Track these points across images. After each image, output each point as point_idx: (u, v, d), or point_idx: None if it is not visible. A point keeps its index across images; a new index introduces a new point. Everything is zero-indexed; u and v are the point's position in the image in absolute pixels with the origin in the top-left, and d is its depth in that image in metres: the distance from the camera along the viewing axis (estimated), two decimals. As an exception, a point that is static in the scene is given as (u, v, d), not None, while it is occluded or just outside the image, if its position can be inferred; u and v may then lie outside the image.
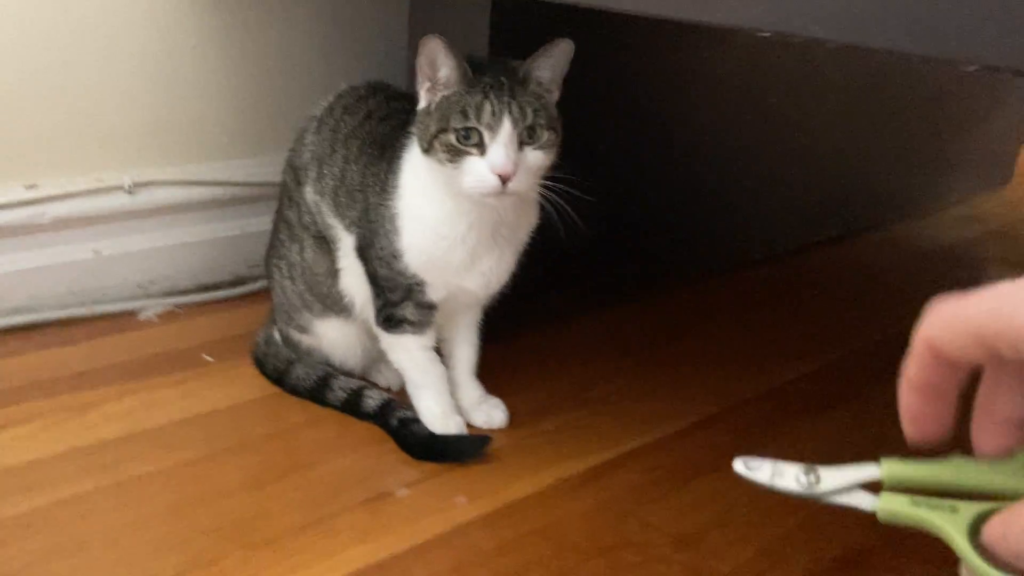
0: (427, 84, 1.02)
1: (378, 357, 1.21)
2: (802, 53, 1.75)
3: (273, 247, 1.25)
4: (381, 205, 1.08)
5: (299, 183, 1.18)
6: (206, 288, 1.50)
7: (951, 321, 0.38)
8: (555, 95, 1.05)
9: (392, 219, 1.07)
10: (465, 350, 1.19)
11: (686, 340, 1.51)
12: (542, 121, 0.99)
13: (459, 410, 1.14)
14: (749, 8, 0.68)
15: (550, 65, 1.02)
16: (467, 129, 0.97)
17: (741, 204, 1.77)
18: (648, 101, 1.48)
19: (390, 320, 1.12)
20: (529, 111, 0.98)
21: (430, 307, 1.12)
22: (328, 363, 1.22)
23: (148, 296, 1.44)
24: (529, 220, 1.11)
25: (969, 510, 0.38)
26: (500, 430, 1.15)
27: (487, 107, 0.97)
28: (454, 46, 1.00)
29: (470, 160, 0.98)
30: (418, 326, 1.12)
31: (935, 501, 0.39)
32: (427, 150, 1.01)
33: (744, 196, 1.76)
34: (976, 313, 0.37)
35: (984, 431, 0.41)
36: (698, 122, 1.61)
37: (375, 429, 1.12)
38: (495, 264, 1.09)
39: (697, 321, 1.59)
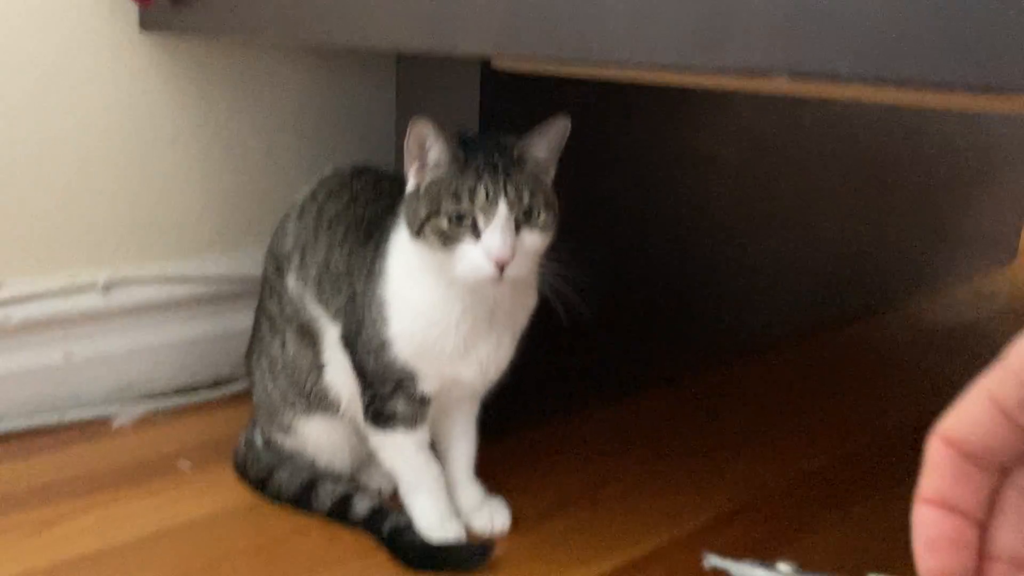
0: (416, 165, 0.96)
1: (368, 458, 1.12)
2: (810, 132, 1.71)
3: (254, 343, 1.17)
4: (368, 291, 1.01)
5: (281, 272, 1.11)
6: (185, 391, 1.41)
7: (975, 399, 0.32)
8: (551, 173, 0.99)
9: (380, 306, 1.00)
10: (463, 447, 1.10)
11: (700, 430, 1.42)
12: (539, 202, 0.93)
13: (458, 514, 1.06)
14: (755, 49, 0.62)
15: (546, 143, 0.96)
16: (460, 213, 0.91)
17: (750, 287, 1.70)
18: (651, 176, 1.42)
19: (379, 416, 1.03)
20: (525, 192, 0.92)
21: (423, 400, 1.03)
22: (314, 466, 1.13)
23: (123, 401, 1.36)
24: (527, 303, 1.03)
25: None
26: (503, 535, 1.07)
27: (481, 190, 0.91)
28: (443, 127, 0.94)
29: (464, 245, 0.91)
30: (410, 422, 1.04)
31: None
32: (417, 234, 0.95)
33: (753, 278, 1.70)
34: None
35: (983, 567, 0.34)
36: (705, 200, 1.55)
37: (366, 538, 1.04)
38: (492, 351, 1.01)
39: (710, 410, 1.50)
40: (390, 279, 1.00)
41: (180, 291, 1.40)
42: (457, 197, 0.92)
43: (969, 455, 0.33)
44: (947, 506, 0.34)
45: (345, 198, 1.09)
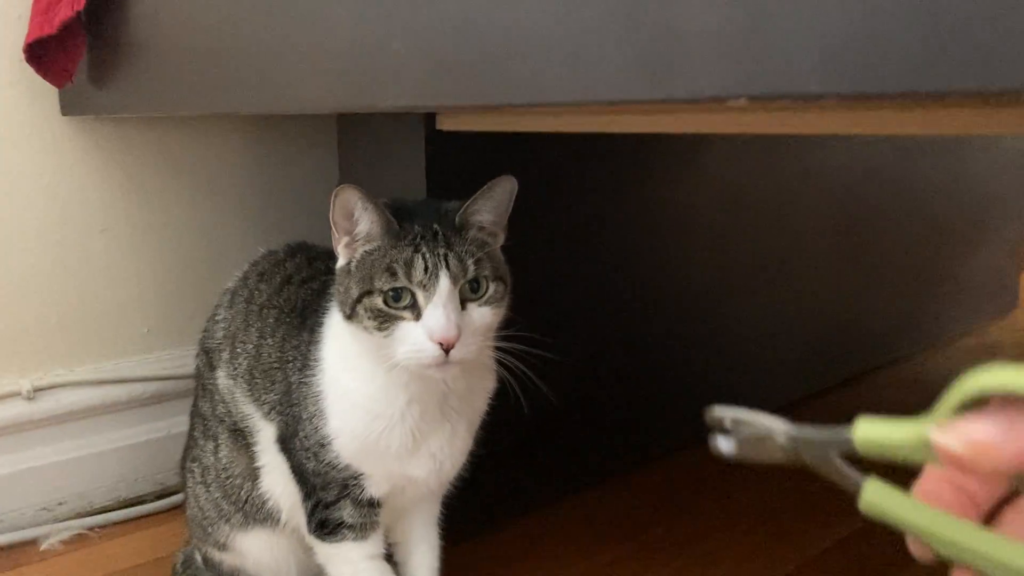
0: (345, 239, 0.86)
1: (318, 573, 0.98)
2: (792, 182, 1.62)
3: (187, 448, 1.05)
4: (303, 383, 0.90)
5: (212, 367, 0.99)
6: (127, 504, 1.28)
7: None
8: (500, 239, 0.88)
9: (316, 399, 0.88)
10: (423, 555, 0.98)
11: (694, 514, 1.29)
12: (486, 272, 0.83)
13: None
14: (706, 74, 0.52)
15: (491, 207, 0.86)
16: (396, 290, 0.81)
17: (735, 355, 1.58)
18: (616, 239, 1.32)
19: (325, 525, 0.91)
20: (470, 262, 0.82)
21: (372, 505, 0.92)
22: (257, 586, 0.99)
23: (54, 520, 1.22)
24: (484, 385, 0.92)
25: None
26: None
27: (418, 262, 0.81)
28: (372, 195, 0.84)
29: (403, 326, 0.81)
30: (360, 530, 0.92)
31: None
32: (349, 317, 0.84)
33: (737, 345, 1.58)
34: None
35: None
36: (678, 262, 1.44)
37: None
38: (445, 444, 0.89)
39: (703, 491, 1.37)
40: (326, 368, 0.89)
41: (116, 393, 1.28)
42: (392, 272, 0.81)
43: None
44: (955, 484, 0.35)
45: (277, 280, 0.98)
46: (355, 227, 0.84)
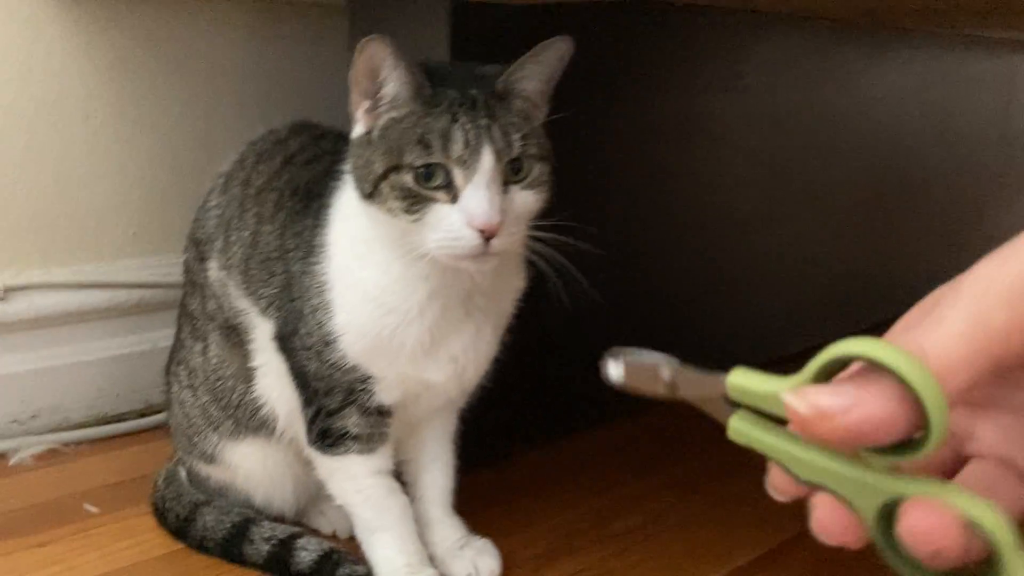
0: (366, 104, 0.74)
1: (318, 492, 0.89)
2: (836, 113, 1.51)
3: (173, 351, 0.94)
4: (305, 273, 0.79)
5: (202, 259, 0.88)
6: (107, 420, 1.17)
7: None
8: (542, 112, 0.76)
9: (320, 290, 0.78)
10: (436, 474, 0.88)
11: (731, 451, 1.17)
12: (532, 150, 0.72)
13: (431, 560, 0.84)
14: None
15: (540, 73, 0.74)
16: (429, 166, 0.69)
17: (765, 286, 1.47)
18: (650, 145, 1.21)
19: (327, 436, 0.81)
20: (516, 137, 0.71)
21: (382, 414, 0.81)
22: (248, 505, 0.90)
23: (26, 433, 1.11)
24: (513, 284, 0.81)
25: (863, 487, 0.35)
26: None
27: (457, 134, 0.69)
28: (404, 50, 0.71)
29: (436, 209, 0.70)
30: (367, 442, 0.82)
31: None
32: (370, 195, 0.73)
33: (769, 276, 1.47)
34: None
35: None
36: (714, 180, 1.34)
37: None
38: (469, 346, 0.79)
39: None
40: (333, 255, 0.78)
41: (97, 299, 1.17)
42: (425, 145, 0.70)
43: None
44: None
45: (278, 160, 0.87)
46: (380, 89, 0.73)
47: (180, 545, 0.90)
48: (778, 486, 0.39)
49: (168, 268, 1.21)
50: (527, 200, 0.72)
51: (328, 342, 0.78)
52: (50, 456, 1.10)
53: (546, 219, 0.75)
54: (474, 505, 0.91)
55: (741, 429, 0.39)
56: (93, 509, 0.97)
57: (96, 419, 1.17)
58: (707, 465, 1.11)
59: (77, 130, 1.14)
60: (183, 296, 0.94)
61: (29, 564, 0.87)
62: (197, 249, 0.90)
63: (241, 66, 1.24)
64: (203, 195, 0.93)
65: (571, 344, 1.01)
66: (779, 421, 0.37)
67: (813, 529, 0.37)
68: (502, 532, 0.89)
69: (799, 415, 0.33)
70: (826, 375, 0.35)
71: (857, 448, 0.34)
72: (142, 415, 1.20)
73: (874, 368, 0.33)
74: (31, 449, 1.08)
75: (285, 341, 0.81)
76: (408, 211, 0.70)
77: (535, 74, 0.74)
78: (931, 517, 0.33)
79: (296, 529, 0.86)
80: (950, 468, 0.39)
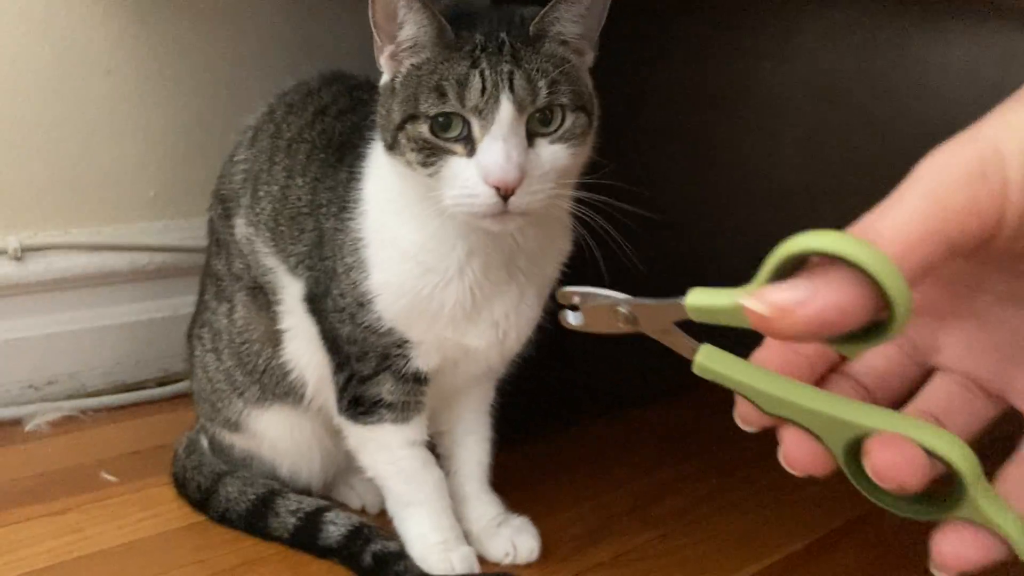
0: (388, 49, 0.69)
1: (347, 465, 0.85)
2: (888, 84, 1.44)
3: (197, 314, 0.90)
4: (339, 230, 0.74)
5: (228, 217, 0.84)
6: (125, 388, 1.13)
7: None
8: (588, 58, 0.71)
9: (355, 248, 0.73)
10: (472, 447, 0.84)
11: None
12: (563, 99, 0.66)
13: (467, 537, 0.80)
14: None
15: (578, 13, 0.67)
16: (446, 115, 0.64)
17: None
18: (698, 113, 1.15)
19: (359, 403, 0.77)
20: (541, 84, 0.65)
21: (418, 381, 0.77)
22: (273, 476, 0.86)
23: (42, 400, 1.07)
24: (559, 245, 0.76)
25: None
26: (529, 565, 0.80)
27: (474, 81, 0.64)
28: None
29: (453, 162, 0.65)
30: (401, 411, 0.77)
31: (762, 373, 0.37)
32: (391, 147, 0.68)
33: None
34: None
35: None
36: (763, 152, 1.28)
37: (341, 571, 0.78)
38: (511, 310, 0.74)
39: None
40: (368, 211, 0.73)
41: (116, 262, 1.13)
42: (440, 92, 0.64)
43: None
44: (789, 347, 0.38)
45: (310, 111, 0.82)
46: (398, 32, 0.67)
47: (201, 517, 0.86)
48: (745, 417, 0.39)
49: (190, 231, 1.16)
50: (557, 154, 0.66)
51: (363, 303, 0.73)
52: (67, 423, 1.06)
53: (589, 176, 0.70)
54: (511, 482, 0.87)
55: (706, 365, 0.38)
56: (111, 478, 0.93)
57: (114, 387, 1.14)
58: (752, 449, 1.04)
59: (98, 85, 1.09)
60: (207, 256, 0.90)
61: (45, 532, 0.84)
62: (223, 206, 0.85)
63: (268, 17, 1.19)
64: (228, 152, 0.89)
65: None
66: (744, 353, 0.38)
67: (780, 459, 0.37)
68: (539, 512, 0.85)
69: (758, 316, 0.33)
70: (782, 276, 0.34)
71: (823, 339, 0.33)
72: (161, 383, 1.16)
73: (829, 260, 0.32)
74: (47, 416, 1.05)
75: (316, 302, 0.76)
76: (424, 164, 0.66)
77: (571, 15, 0.67)
78: (894, 454, 0.33)
79: (324, 503, 0.82)
80: (917, 382, 0.40)
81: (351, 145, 0.77)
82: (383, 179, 0.73)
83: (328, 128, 0.79)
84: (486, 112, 0.63)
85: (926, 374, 0.40)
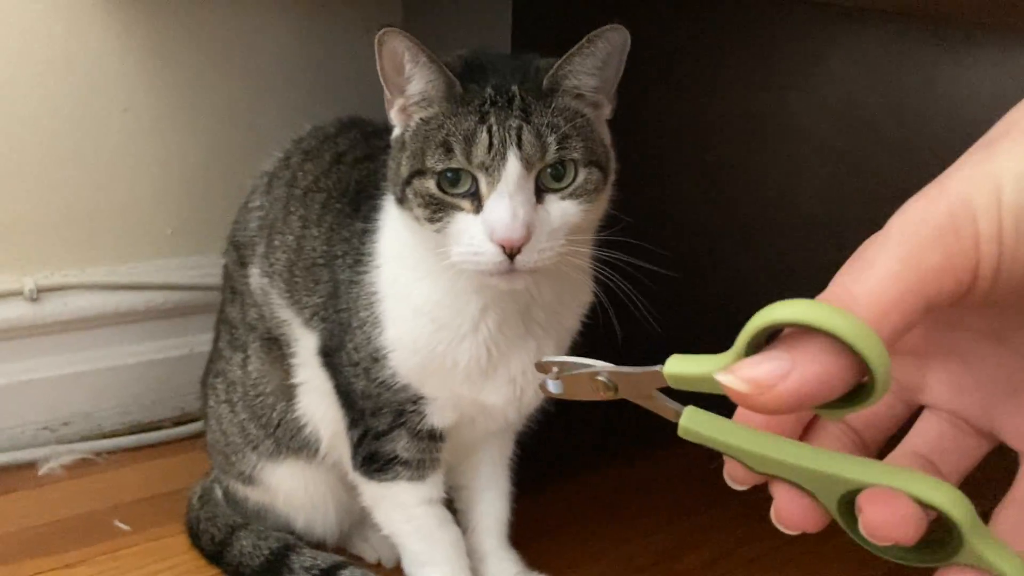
0: (398, 102, 0.67)
1: (362, 518, 0.83)
2: (914, 106, 1.41)
3: (211, 361, 0.88)
4: (354, 282, 0.72)
5: (243, 264, 0.82)
6: (141, 428, 1.12)
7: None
8: (605, 110, 0.68)
9: (370, 301, 0.71)
10: (491, 503, 0.82)
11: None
12: (575, 155, 0.63)
13: None
14: None
15: (593, 66, 0.65)
16: (453, 171, 0.62)
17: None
18: (720, 140, 1.12)
19: (374, 460, 0.74)
20: (551, 140, 0.62)
21: (433, 438, 0.75)
22: (288, 529, 0.84)
23: (57, 441, 1.06)
24: (579, 298, 0.74)
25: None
26: None
27: (482, 137, 0.62)
28: (423, 45, 0.64)
29: (460, 219, 0.63)
30: (417, 468, 0.75)
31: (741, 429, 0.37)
32: (400, 200, 0.67)
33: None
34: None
35: None
36: (786, 179, 1.25)
37: None
38: (528, 366, 0.72)
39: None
40: (384, 264, 0.72)
41: (132, 301, 1.11)
42: (447, 148, 0.62)
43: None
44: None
45: (326, 159, 0.80)
46: (406, 86, 0.66)
47: (215, 570, 0.84)
48: (734, 475, 0.38)
49: (206, 269, 1.15)
50: (567, 211, 0.63)
51: (377, 358, 0.71)
52: (81, 466, 1.04)
53: (605, 231, 0.68)
54: (529, 532, 0.84)
55: (691, 428, 0.38)
56: (124, 527, 0.92)
57: (129, 427, 1.12)
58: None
59: (115, 123, 1.08)
60: (221, 302, 0.88)
61: (60, 585, 0.82)
62: (237, 253, 0.84)
63: (286, 58, 1.17)
64: (244, 195, 0.87)
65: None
66: (728, 411, 0.37)
67: (773, 517, 0.37)
68: (559, 567, 0.83)
69: (737, 392, 0.32)
70: (756, 347, 0.34)
71: (805, 410, 0.33)
72: (177, 423, 1.14)
73: (805, 329, 0.32)
74: (62, 459, 1.03)
75: (330, 356, 0.74)
76: (431, 220, 0.64)
77: (585, 68, 0.65)
78: (886, 510, 0.33)
79: (339, 559, 0.80)
80: (905, 420, 0.40)
81: (367, 195, 0.75)
82: (397, 232, 0.71)
83: (344, 176, 0.78)
84: (493, 169, 0.61)
85: (915, 412, 0.40)
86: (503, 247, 0.60)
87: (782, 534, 0.93)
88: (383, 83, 0.67)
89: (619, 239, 0.69)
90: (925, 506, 0.33)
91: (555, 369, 0.41)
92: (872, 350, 0.31)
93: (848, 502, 0.35)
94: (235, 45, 1.13)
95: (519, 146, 0.61)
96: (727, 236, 1.19)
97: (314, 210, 0.77)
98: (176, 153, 1.13)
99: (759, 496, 0.98)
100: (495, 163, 0.61)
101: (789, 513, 0.36)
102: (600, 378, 0.40)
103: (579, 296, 0.74)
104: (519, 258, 0.61)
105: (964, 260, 0.31)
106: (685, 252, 1.11)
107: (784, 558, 0.89)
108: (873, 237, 0.34)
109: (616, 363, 0.40)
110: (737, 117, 1.17)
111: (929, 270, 0.31)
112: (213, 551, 0.84)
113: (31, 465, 1.03)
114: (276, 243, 0.79)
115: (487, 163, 0.61)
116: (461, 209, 0.63)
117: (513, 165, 0.61)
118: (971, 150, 0.34)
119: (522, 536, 0.83)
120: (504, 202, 0.61)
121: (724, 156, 1.16)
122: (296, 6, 1.18)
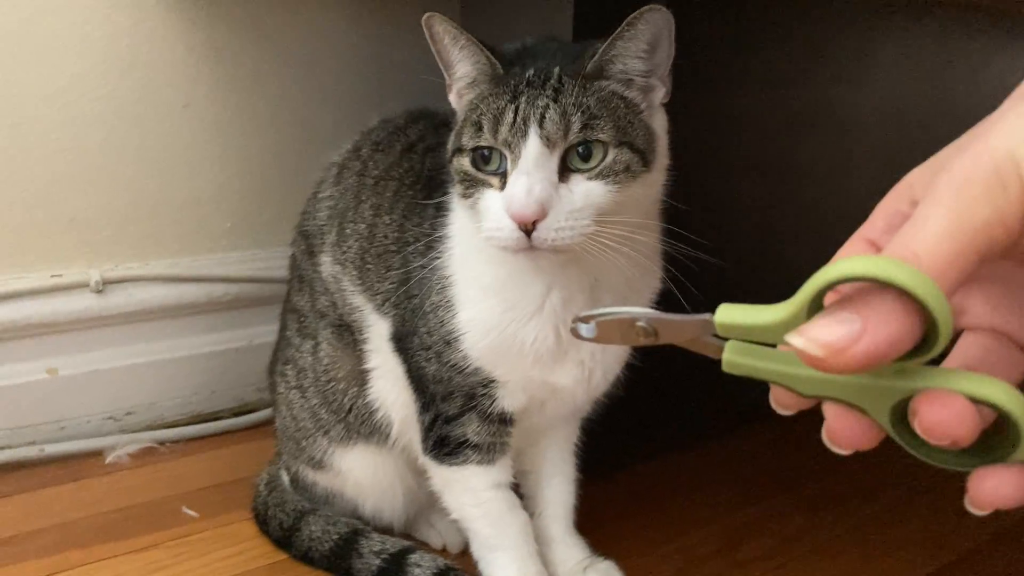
0: (455, 86, 0.70)
1: (429, 504, 0.84)
2: (963, 107, 1.41)
3: (279, 350, 0.90)
4: (426, 267, 0.73)
5: (312, 254, 0.83)
6: (201, 419, 1.14)
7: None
8: (659, 93, 0.68)
9: (442, 286, 0.72)
10: (557, 488, 0.83)
11: (873, 467, 1.09)
12: (603, 135, 0.63)
13: None
14: None
15: (637, 50, 0.65)
16: (485, 149, 0.64)
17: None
18: (773, 135, 1.13)
19: (444, 444, 0.75)
20: (575, 119, 0.62)
21: (504, 421, 0.75)
22: (356, 514, 0.85)
23: (121, 431, 1.08)
24: (648, 282, 0.74)
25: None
26: None
27: (508, 115, 0.63)
28: (462, 29, 0.66)
29: (487, 195, 0.65)
30: (487, 452, 0.76)
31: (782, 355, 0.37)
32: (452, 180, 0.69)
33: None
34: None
35: None
36: (838, 176, 1.25)
37: None
38: (597, 348, 0.73)
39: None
40: (455, 248, 0.72)
41: (194, 293, 1.13)
42: (478, 126, 0.64)
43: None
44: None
45: (397, 148, 0.81)
46: (456, 69, 0.68)
47: (284, 555, 0.86)
48: (782, 401, 0.39)
49: (265, 262, 1.17)
50: (592, 191, 0.63)
51: (449, 341, 0.72)
52: (146, 454, 1.06)
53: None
54: (594, 519, 0.85)
55: (736, 361, 0.38)
56: (192, 513, 0.93)
57: (191, 417, 1.14)
58: (844, 482, 1.02)
59: (177, 118, 1.10)
60: (288, 291, 0.90)
61: (131, 569, 0.84)
62: (307, 242, 0.85)
63: (344, 55, 1.19)
64: (308, 187, 0.89)
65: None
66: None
67: (825, 438, 0.37)
68: (624, 553, 0.83)
69: (809, 355, 0.33)
70: (818, 301, 0.34)
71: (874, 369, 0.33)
72: (237, 414, 1.16)
73: (869, 285, 0.32)
74: (127, 447, 1.05)
75: (402, 341, 0.75)
76: (465, 196, 0.66)
77: (630, 51, 0.65)
78: (943, 410, 0.33)
79: (408, 543, 0.81)
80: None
81: (437, 182, 0.76)
82: (465, 216, 0.72)
83: (415, 165, 0.79)
84: (515, 145, 0.63)
85: (955, 335, 0.39)
86: (516, 221, 0.61)
87: (841, 524, 0.94)
88: (442, 69, 0.69)
89: (674, 228, 0.69)
90: (979, 403, 0.33)
91: (590, 317, 0.41)
92: (938, 304, 0.31)
93: (901, 411, 0.35)
94: (294, 41, 1.15)
95: (540, 122, 0.62)
96: (779, 230, 1.19)
97: (386, 198, 0.78)
98: (235, 149, 1.14)
99: (815, 484, 0.99)
100: (516, 139, 0.62)
101: (842, 431, 0.37)
102: (640, 323, 0.40)
103: (649, 281, 0.74)
104: (535, 235, 0.62)
105: (1012, 211, 0.32)
106: (740, 244, 1.12)
107: (844, 545, 0.89)
108: (915, 175, 0.38)
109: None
110: (787, 112, 1.17)
111: (981, 225, 0.32)
112: (281, 536, 0.86)
113: (98, 453, 1.05)
114: (348, 231, 0.80)
115: (509, 140, 0.63)
116: (491, 186, 0.64)
117: (533, 143, 0.62)
118: (1007, 104, 0.36)
119: (586, 520, 0.83)
120: (522, 179, 0.62)
121: (775, 150, 1.17)
122: (354, 3, 1.19)
